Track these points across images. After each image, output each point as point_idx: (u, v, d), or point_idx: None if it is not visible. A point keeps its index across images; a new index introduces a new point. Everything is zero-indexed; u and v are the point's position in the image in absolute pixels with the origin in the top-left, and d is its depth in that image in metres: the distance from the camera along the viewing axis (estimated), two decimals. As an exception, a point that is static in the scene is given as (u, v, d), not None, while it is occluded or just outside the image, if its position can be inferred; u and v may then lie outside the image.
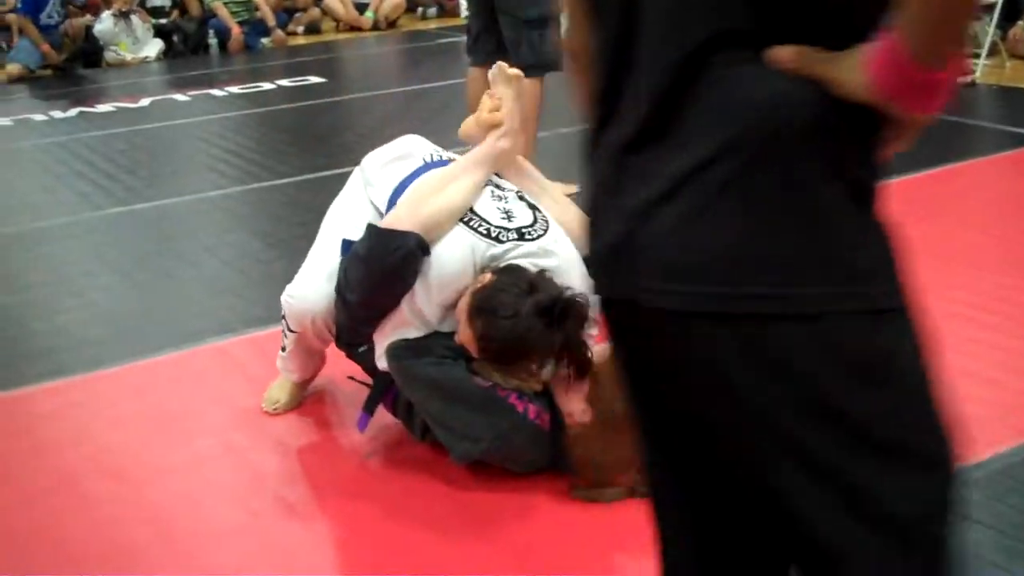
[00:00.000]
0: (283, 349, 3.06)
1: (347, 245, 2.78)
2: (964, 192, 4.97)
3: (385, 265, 2.56)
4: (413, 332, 2.61)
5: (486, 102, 2.91)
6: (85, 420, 3.16)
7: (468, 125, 2.99)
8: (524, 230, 2.66)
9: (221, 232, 5.03)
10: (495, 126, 2.83)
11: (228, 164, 6.25)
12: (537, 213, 2.75)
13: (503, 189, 2.79)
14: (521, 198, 2.79)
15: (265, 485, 2.77)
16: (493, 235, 2.62)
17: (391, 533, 2.52)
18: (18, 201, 5.74)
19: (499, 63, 2.96)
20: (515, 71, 2.91)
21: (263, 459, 2.88)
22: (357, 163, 5.82)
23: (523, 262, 2.58)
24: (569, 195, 4.95)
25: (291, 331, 2.97)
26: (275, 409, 3.11)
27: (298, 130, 7.35)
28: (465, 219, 2.64)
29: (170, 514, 2.64)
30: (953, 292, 3.65)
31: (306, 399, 3.16)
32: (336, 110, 8.00)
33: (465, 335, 2.53)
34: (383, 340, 2.65)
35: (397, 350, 2.60)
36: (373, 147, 6.31)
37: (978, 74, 7.33)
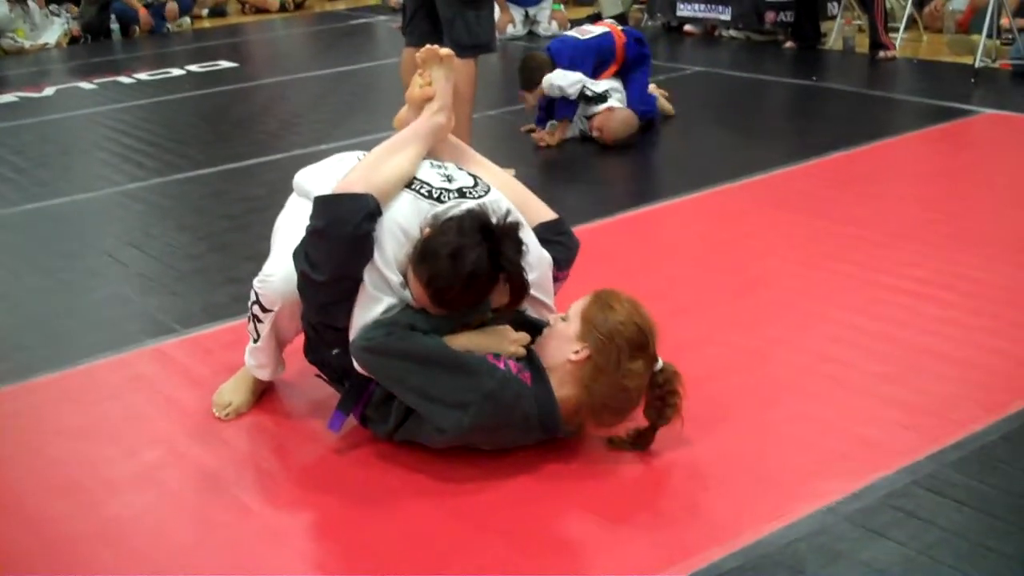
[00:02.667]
0: (255, 340, 2.95)
1: None
2: (898, 167, 5.01)
3: (349, 229, 2.54)
4: (384, 305, 2.57)
5: (416, 80, 2.95)
6: (25, 433, 2.99)
7: (402, 114, 3.03)
8: (465, 189, 2.72)
9: (145, 226, 4.84)
10: (428, 100, 2.90)
11: (144, 155, 6.03)
12: (478, 179, 2.81)
13: (442, 163, 2.84)
14: (460, 168, 2.85)
15: (223, 493, 2.65)
16: (435, 195, 2.67)
17: (357, 532, 2.43)
18: (-75, 199, 5.46)
19: (428, 46, 2.96)
20: (446, 51, 2.93)
21: (218, 466, 2.75)
22: (282, 151, 5.77)
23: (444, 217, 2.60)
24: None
25: (266, 311, 2.86)
26: (227, 415, 2.97)
27: (215, 117, 7.13)
28: (408, 184, 2.68)
29: (129, 531, 2.50)
30: (905, 269, 3.66)
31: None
32: (253, 96, 7.79)
33: (416, 290, 2.53)
34: (355, 329, 2.58)
35: (364, 335, 2.55)
36: (298, 133, 6.29)
37: (897, 48, 7.41)
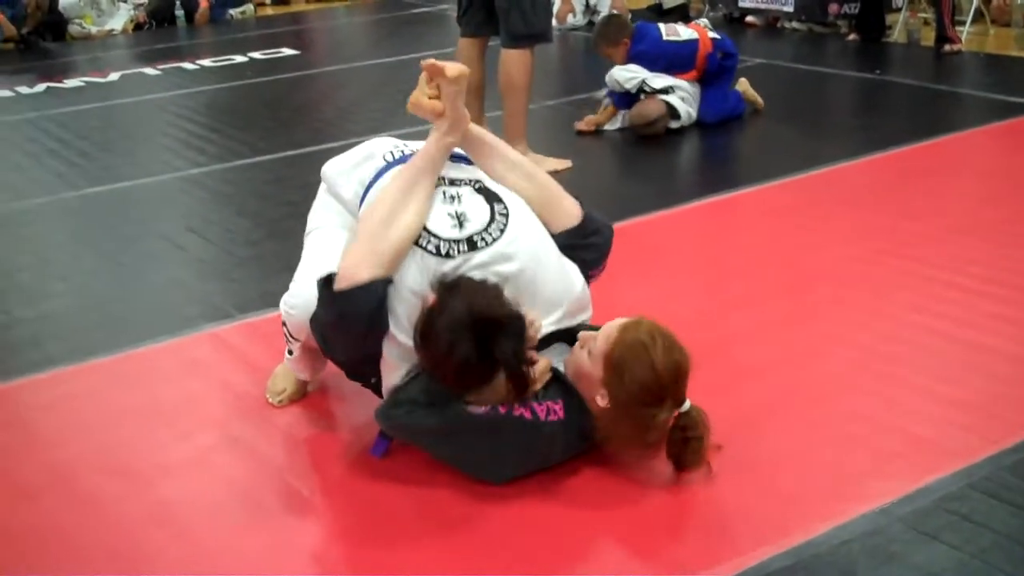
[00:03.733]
0: (289, 352, 2.96)
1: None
2: (961, 163, 4.93)
3: (363, 324, 2.48)
4: (403, 370, 2.54)
5: (424, 87, 2.66)
6: (80, 413, 3.03)
7: (415, 96, 2.71)
8: (476, 237, 2.54)
9: (205, 212, 4.89)
10: (436, 114, 2.63)
11: (207, 140, 6.10)
12: (496, 206, 2.61)
13: (457, 185, 2.65)
14: (479, 190, 2.65)
15: (275, 479, 2.67)
16: (443, 251, 2.51)
17: (408, 526, 2.43)
18: (-8, 181, 5.57)
19: (431, 60, 2.67)
20: (455, 70, 2.61)
21: (271, 452, 2.78)
22: (341, 139, 5.80)
23: (476, 274, 2.47)
24: (562, 170, 4.92)
25: (294, 339, 2.87)
26: (279, 401, 3.00)
27: (276, 104, 7.18)
28: (417, 237, 2.53)
29: (181, 513, 2.53)
30: (964, 266, 3.60)
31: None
32: (313, 83, 7.85)
33: (422, 363, 2.47)
34: (387, 383, 2.58)
35: (386, 413, 2.54)
36: (356, 122, 6.32)
37: (963, 42, 7.29)
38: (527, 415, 2.45)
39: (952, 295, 3.39)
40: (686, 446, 2.48)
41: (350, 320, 2.48)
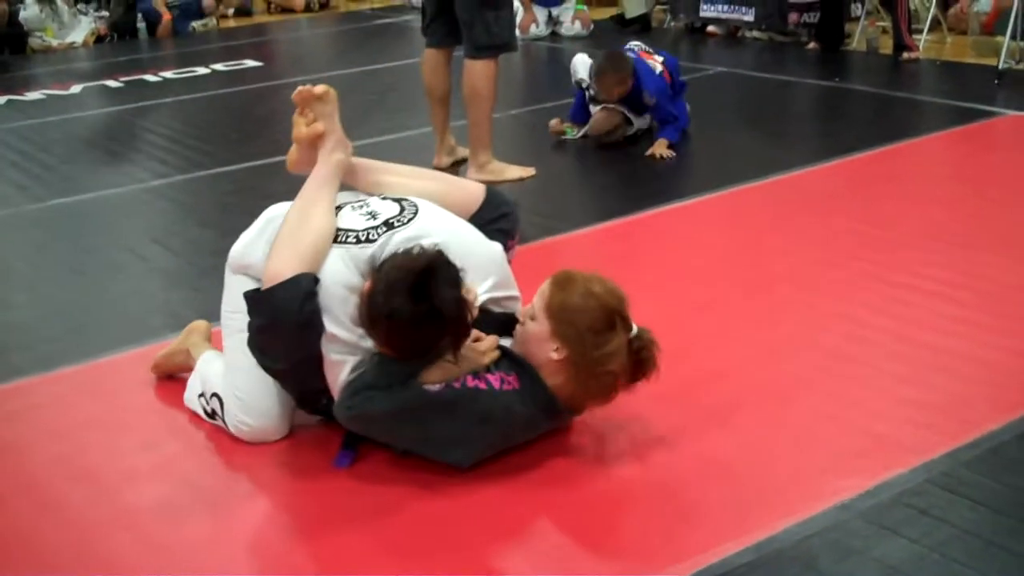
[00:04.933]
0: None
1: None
2: (921, 169, 4.99)
3: (293, 318, 2.51)
4: (349, 366, 2.55)
5: (299, 120, 2.87)
6: (46, 422, 3.02)
7: (292, 154, 2.96)
8: (392, 220, 2.66)
9: (168, 223, 4.89)
10: (317, 138, 2.81)
11: (169, 152, 6.08)
12: (403, 202, 2.74)
13: (361, 199, 2.79)
14: (383, 198, 2.78)
15: (241, 485, 2.68)
16: (362, 238, 2.62)
17: (376, 530, 2.44)
18: (-47, 193, 5.53)
19: (300, 87, 2.88)
20: (321, 88, 2.84)
21: (236, 458, 2.78)
22: (305, 148, 5.78)
23: (402, 247, 2.55)
24: (526, 178, 4.95)
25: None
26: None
27: (239, 115, 7.18)
28: (337, 237, 2.64)
29: (146, 519, 2.53)
30: (924, 269, 3.65)
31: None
32: (276, 94, 7.80)
33: (376, 341, 2.50)
34: (335, 385, 2.58)
35: (344, 404, 2.53)
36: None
37: (921, 49, 7.38)
38: (482, 385, 2.51)
39: (912, 298, 3.44)
40: (640, 366, 2.57)
41: (282, 316, 2.51)
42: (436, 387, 2.48)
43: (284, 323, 2.52)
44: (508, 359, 2.60)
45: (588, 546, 2.36)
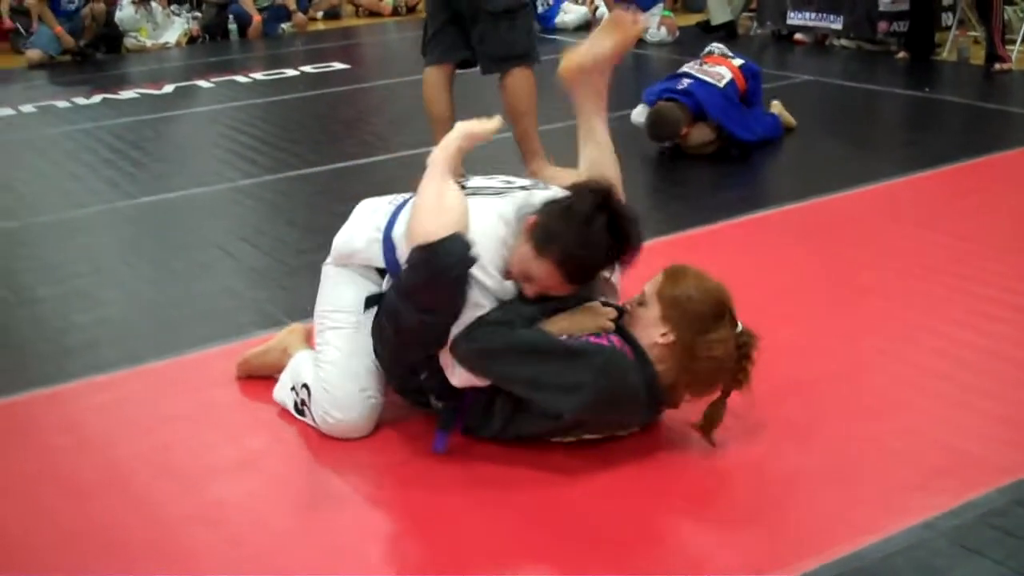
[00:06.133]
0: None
1: (372, 300, 2.83)
2: (1011, 181, 4.88)
3: (456, 270, 2.55)
4: (485, 310, 2.61)
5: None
6: (134, 416, 3.09)
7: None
8: (527, 186, 2.85)
9: (257, 221, 4.97)
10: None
11: (258, 152, 6.18)
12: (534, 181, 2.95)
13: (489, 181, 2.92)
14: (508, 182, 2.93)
15: (325, 481, 2.72)
16: (503, 192, 2.79)
17: (458, 528, 2.46)
18: (50, 189, 5.68)
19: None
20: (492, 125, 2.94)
21: (320, 454, 2.82)
22: (389, 151, 5.86)
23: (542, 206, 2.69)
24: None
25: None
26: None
27: (326, 117, 7.27)
28: (472, 192, 2.78)
29: (230, 515, 2.58)
30: (1013, 283, 3.61)
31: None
32: (363, 97, 7.94)
33: (542, 272, 2.58)
34: (463, 315, 2.61)
35: (468, 337, 2.58)
36: (405, 134, 6.36)
37: (1014, 60, 7.24)
38: (604, 342, 2.59)
39: (1001, 312, 3.38)
40: (740, 365, 2.63)
41: (447, 270, 2.55)
42: (563, 336, 2.58)
43: (449, 274, 2.55)
44: (622, 335, 2.66)
45: (667, 557, 2.36)
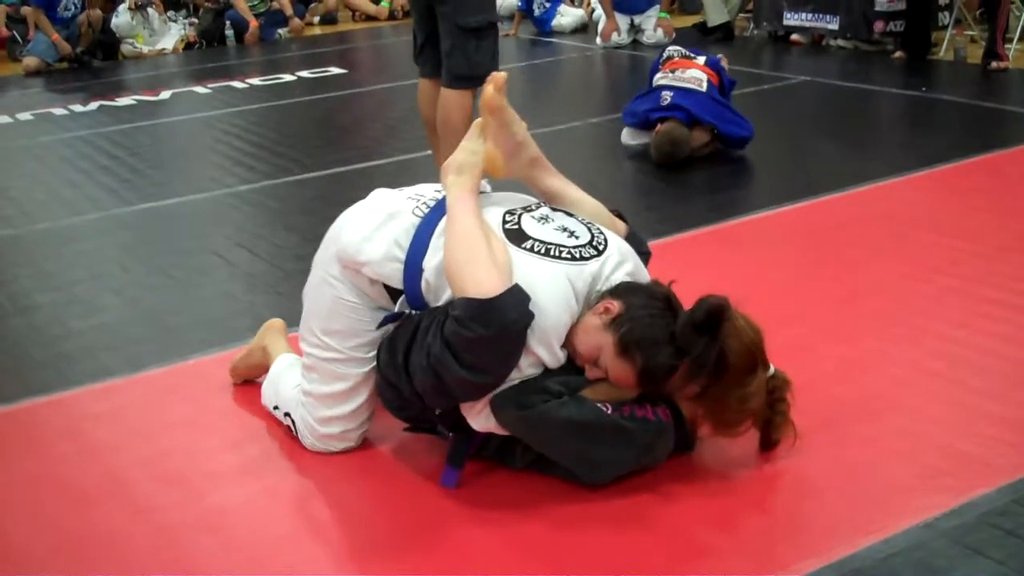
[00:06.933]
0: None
1: (391, 317, 2.64)
2: (1009, 180, 4.88)
3: (519, 328, 2.37)
4: (530, 375, 2.47)
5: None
6: (133, 423, 3.09)
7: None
8: (595, 241, 2.59)
9: (254, 227, 4.97)
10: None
11: (255, 158, 6.19)
12: (587, 223, 2.67)
13: (535, 209, 2.67)
14: (554, 209, 2.70)
15: (322, 489, 2.72)
16: (576, 256, 2.52)
17: (458, 533, 2.46)
18: (47, 196, 5.68)
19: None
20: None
21: (316, 463, 2.81)
22: (387, 156, 5.87)
23: (617, 276, 2.53)
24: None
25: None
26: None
27: (324, 122, 7.29)
28: (542, 250, 2.50)
29: (230, 522, 2.58)
30: (1012, 284, 3.59)
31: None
32: (360, 102, 7.94)
33: (616, 369, 2.44)
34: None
35: (515, 403, 2.44)
36: (402, 139, 6.35)
37: (1011, 59, 7.25)
38: (650, 416, 2.52)
39: (1001, 313, 3.38)
40: (773, 408, 2.59)
41: (510, 327, 2.35)
42: (610, 409, 2.48)
43: (510, 332, 2.36)
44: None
45: (665, 561, 2.36)
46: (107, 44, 10.46)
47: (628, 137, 5.64)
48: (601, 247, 2.58)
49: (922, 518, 2.37)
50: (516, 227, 2.57)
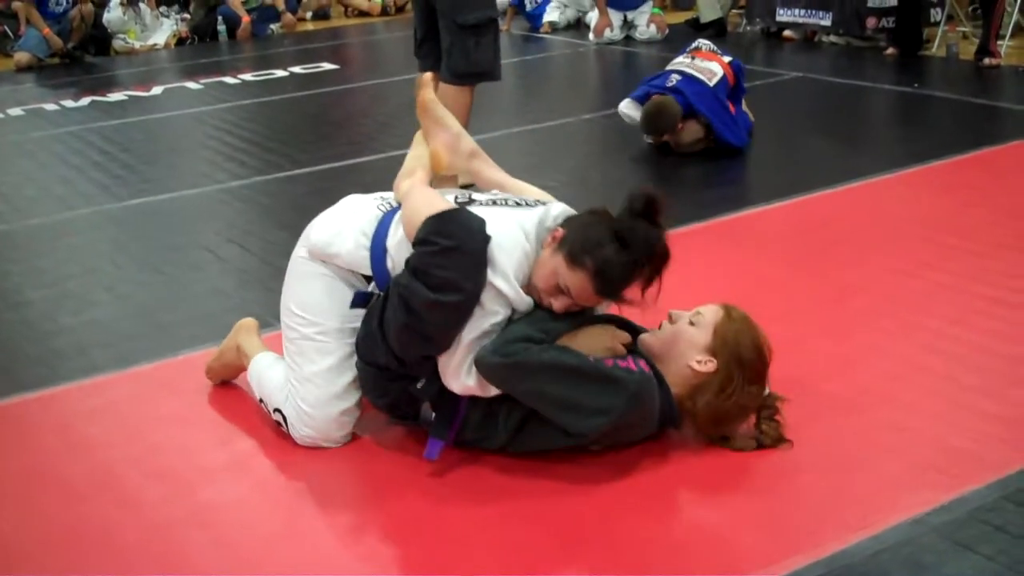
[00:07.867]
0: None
1: (361, 296, 2.77)
2: (1002, 177, 4.89)
3: (480, 240, 2.50)
4: (498, 317, 2.54)
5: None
6: (124, 419, 3.09)
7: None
8: (539, 203, 2.79)
9: (245, 223, 4.96)
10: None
11: (247, 153, 6.18)
12: (527, 199, 2.87)
13: (484, 194, 2.87)
14: (504, 196, 2.89)
15: (313, 485, 2.71)
16: (522, 203, 2.77)
17: (450, 529, 2.46)
18: (39, 192, 5.67)
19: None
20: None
21: (309, 458, 2.81)
22: (379, 152, 5.86)
23: (562, 216, 2.69)
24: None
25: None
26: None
27: (316, 118, 7.28)
28: (490, 203, 2.74)
29: (221, 517, 2.58)
30: (1004, 280, 3.60)
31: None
32: (352, 97, 7.93)
33: (575, 283, 2.52)
34: (455, 350, 2.53)
35: (500, 350, 2.49)
36: (395, 135, 6.36)
37: (1003, 56, 7.26)
38: (632, 367, 2.55)
39: (992, 309, 3.38)
40: (768, 422, 2.66)
41: (472, 237, 2.50)
42: (592, 357, 2.53)
43: (473, 243, 2.49)
44: (638, 353, 2.64)
45: (656, 557, 2.36)
46: (99, 39, 10.43)
47: (626, 107, 5.62)
48: (544, 204, 2.78)
49: (912, 514, 2.38)
50: (467, 201, 2.79)
